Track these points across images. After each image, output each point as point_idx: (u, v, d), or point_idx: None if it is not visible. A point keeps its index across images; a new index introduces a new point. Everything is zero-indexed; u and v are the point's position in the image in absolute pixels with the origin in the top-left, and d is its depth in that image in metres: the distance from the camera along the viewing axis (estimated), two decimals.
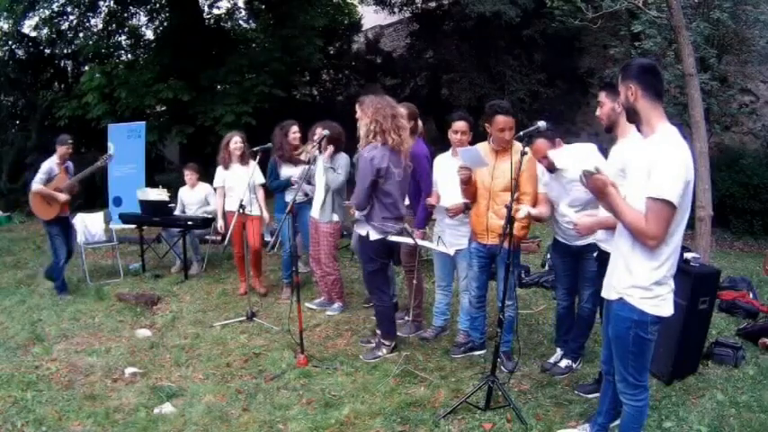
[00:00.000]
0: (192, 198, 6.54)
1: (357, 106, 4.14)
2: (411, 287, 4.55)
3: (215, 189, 5.80)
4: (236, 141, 5.49)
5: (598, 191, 2.34)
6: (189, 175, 6.63)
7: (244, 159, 5.51)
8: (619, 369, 2.46)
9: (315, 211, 4.86)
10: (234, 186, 5.42)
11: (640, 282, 2.32)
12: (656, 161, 2.20)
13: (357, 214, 4.00)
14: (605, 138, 3.51)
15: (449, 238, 4.01)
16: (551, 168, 3.29)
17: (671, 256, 2.31)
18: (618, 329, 2.40)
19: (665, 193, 2.16)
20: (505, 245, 3.36)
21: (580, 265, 3.59)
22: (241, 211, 4.92)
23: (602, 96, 3.10)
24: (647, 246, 2.24)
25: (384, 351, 4.07)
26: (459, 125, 3.99)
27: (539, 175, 3.57)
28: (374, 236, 3.88)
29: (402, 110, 4.01)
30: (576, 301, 3.75)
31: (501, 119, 3.54)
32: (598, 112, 3.16)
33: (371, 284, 4.14)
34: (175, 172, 11.32)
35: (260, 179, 5.54)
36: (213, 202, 6.62)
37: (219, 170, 5.57)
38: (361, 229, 3.97)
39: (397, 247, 4.28)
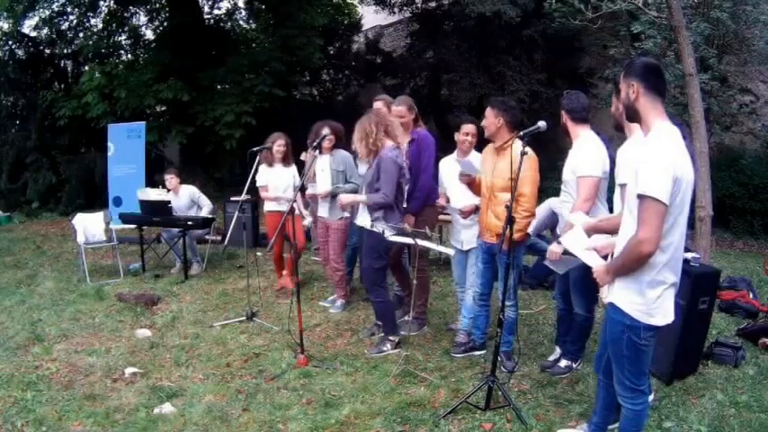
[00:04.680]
0: (178, 203, 6.49)
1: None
2: (422, 286, 4.54)
3: (258, 187, 5.60)
4: (279, 144, 5.51)
5: (603, 280, 2.37)
6: (169, 179, 6.53)
7: (286, 161, 5.59)
8: (616, 372, 2.43)
9: (324, 211, 4.93)
10: (276, 186, 5.52)
11: (631, 284, 2.24)
12: (641, 158, 2.14)
13: (374, 213, 4.00)
14: (605, 137, 3.51)
15: (464, 237, 4.08)
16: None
17: (668, 261, 2.21)
18: (612, 332, 2.36)
19: (651, 189, 2.06)
20: (504, 245, 3.38)
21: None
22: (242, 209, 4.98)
23: (613, 96, 3.03)
24: (643, 252, 2.12)
25: (389, 346, 4.11)
26: (469, 128, 4.13)
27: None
28: (390, 234, 3.91)
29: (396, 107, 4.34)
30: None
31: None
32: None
33: (374, 281, 4.11)
34: None
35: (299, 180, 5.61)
36: (206, 204, 6.59)
37: (263, 168, 5.56)
38: (377, 227, 3.96)
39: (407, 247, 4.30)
